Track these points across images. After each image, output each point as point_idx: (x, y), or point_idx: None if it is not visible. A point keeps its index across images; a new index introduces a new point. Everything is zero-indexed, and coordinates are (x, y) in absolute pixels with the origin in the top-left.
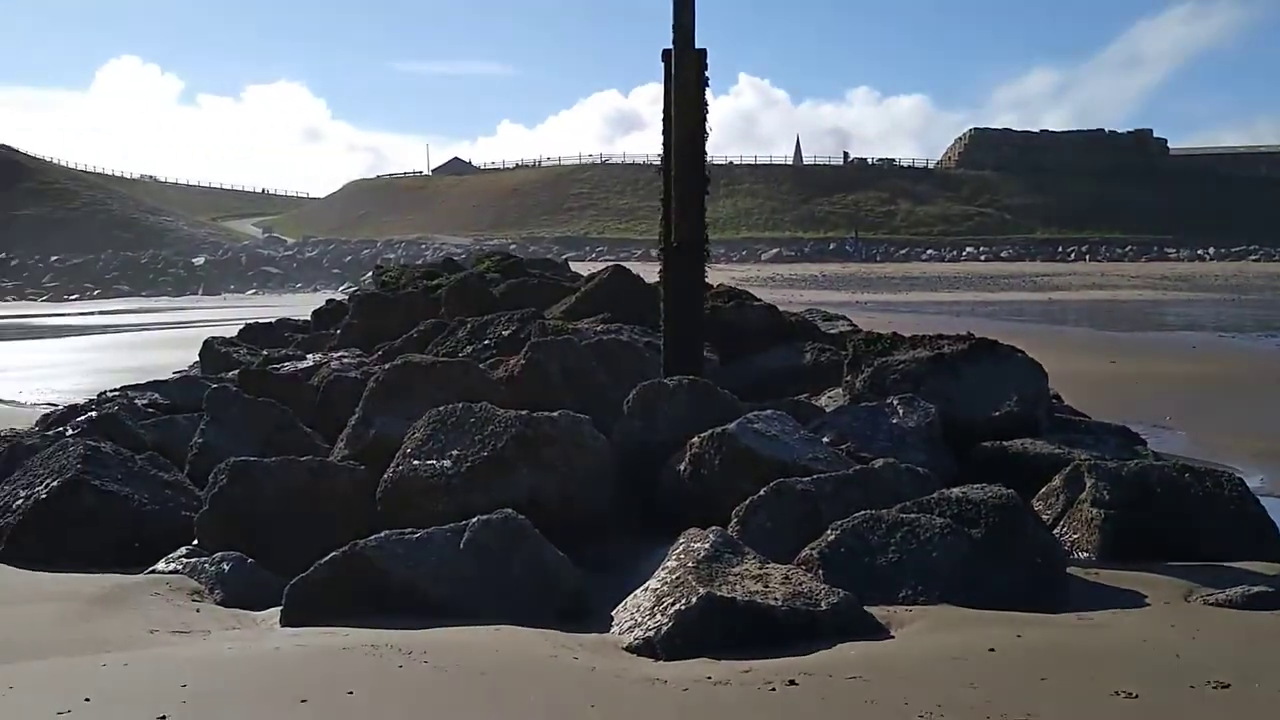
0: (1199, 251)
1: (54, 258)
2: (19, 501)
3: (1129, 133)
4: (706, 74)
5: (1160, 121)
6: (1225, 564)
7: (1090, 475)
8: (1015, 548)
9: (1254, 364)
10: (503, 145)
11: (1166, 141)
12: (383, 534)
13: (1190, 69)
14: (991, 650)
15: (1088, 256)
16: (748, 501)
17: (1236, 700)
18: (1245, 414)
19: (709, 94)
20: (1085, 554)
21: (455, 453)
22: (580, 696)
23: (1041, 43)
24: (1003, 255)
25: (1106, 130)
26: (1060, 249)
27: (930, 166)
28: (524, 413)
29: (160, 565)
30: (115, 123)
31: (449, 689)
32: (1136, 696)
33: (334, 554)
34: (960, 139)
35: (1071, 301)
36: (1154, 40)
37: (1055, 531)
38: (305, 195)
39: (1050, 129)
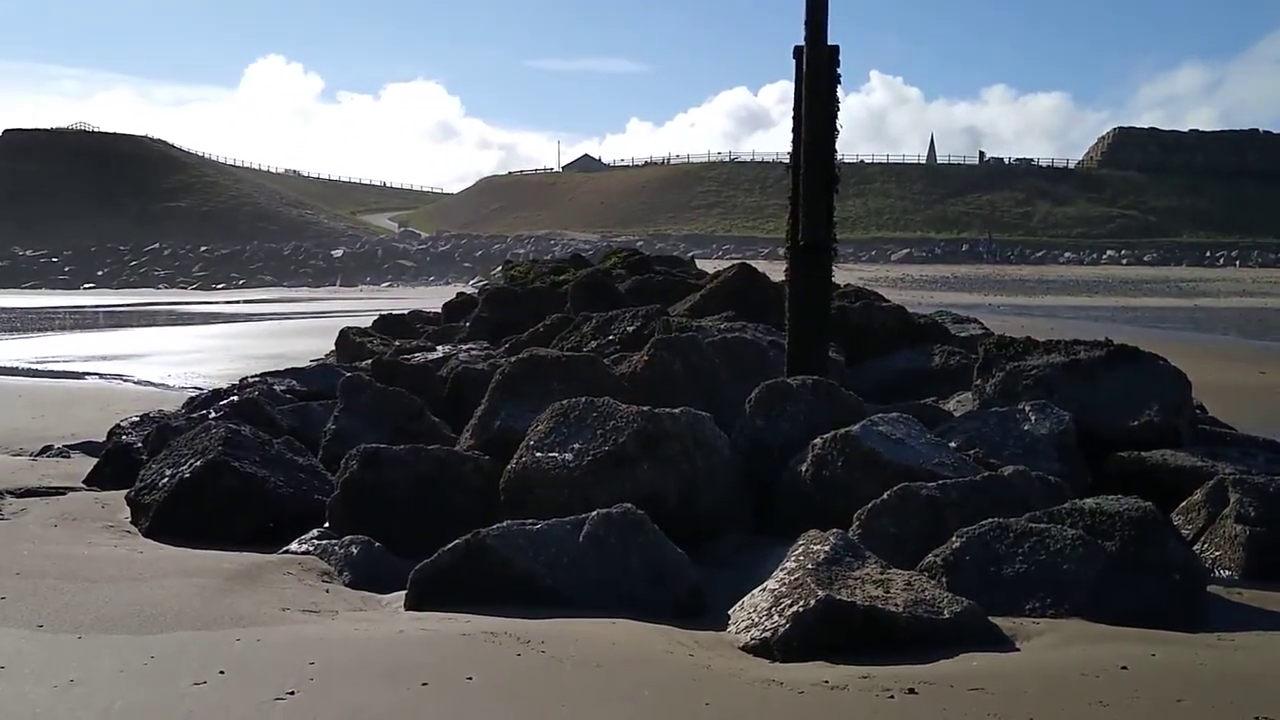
0: None
1: (203, 248)
2: (165, 480)
3: None
4: (838, 71)
5: None
6: None
7: (1235, 490)
8: (1152, 563)
9: None
10: (631, 143)
11: None
12: (505, 524)
13: None
14: (1124, 668)
15: (1238, 262)
16: (870, 505)
17: None
18: None
19: (840, 91)
20: (1227, 572)
21: (577, 446)
22: (695, 693)
23: (1188, 39)
24: (1146, 259)
25: (1261, 130)
26: (1209, 254)
27: (1070, 167)
28: (645, 409)
29: (293, 546)
30: (260, 119)
31: (565, 679)
32: None
33: (457, 542)
34: (1104, 138)
35: (1219, 309)
36: None
37: (1195, 548)
38: (439, 190)
39: (1199, 129)
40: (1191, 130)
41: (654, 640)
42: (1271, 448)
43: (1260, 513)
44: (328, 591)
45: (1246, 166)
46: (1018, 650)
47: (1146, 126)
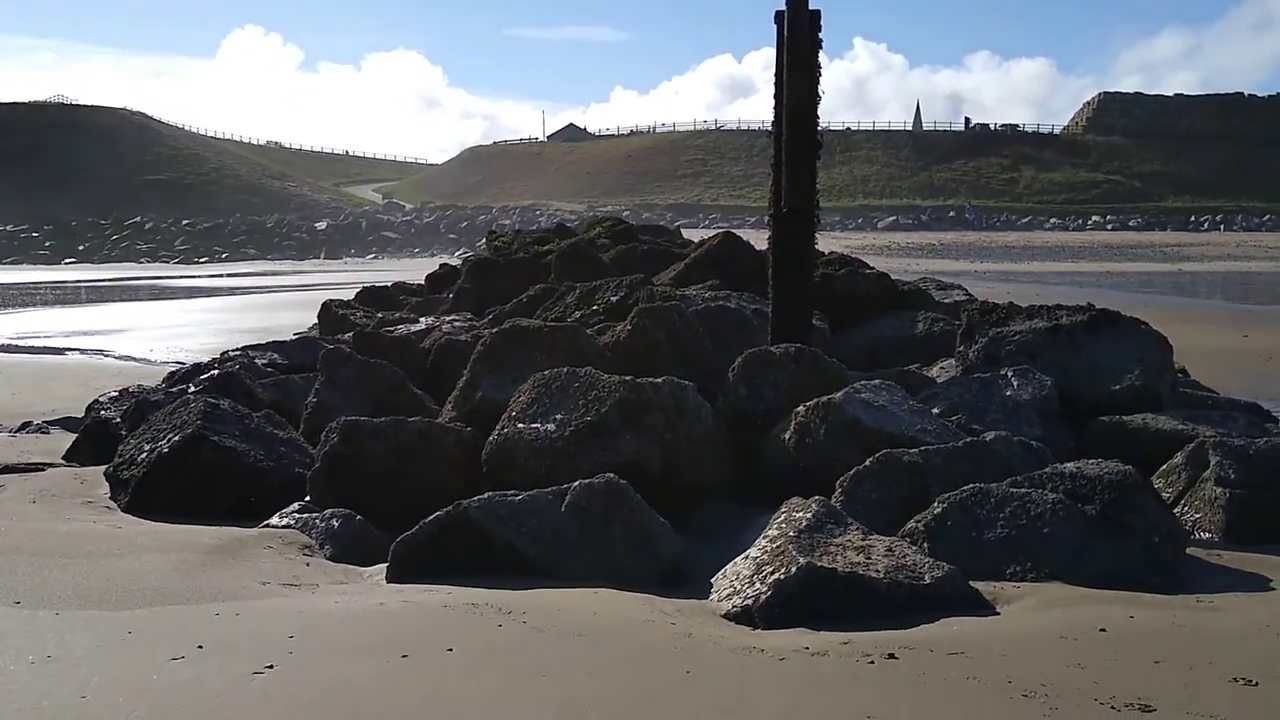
0: None
1: (185, 221)
2: (143, 455)
3: (1269, 97)
4: (820, 36)
5: None
6: None
7: (1215, 453)
8: (1131, 526)
9: None
10: (616, 111)
11: None
12: (486, 495)
13: None
14: (1103, 630)
15: (1222, 226)
16: (852, 472)
17: None
18: None
19: (822, 57)
20: (1207, 534)
21: (559, 417)
22: (675, 662)
23: (1167, 5)
24: (1131, 225)
25: (1246, 94)
26: (1193, 218)
27: (1055, 132)
28: (628, 378)
29: (274, 520)
30: (239, 90)
31: (546, 650)
32: (1256, 684)
33: (439, 514)
34: (1089, 103)
35: (1203, 273)
36: None
37: (1176, 510)
38: (423, 161)
39: (1184, 93)
40: (1176, 95)
41: (636, 610)
42: (1252, 410)
43: (1240, 475)
44: (308, 565)
45: (1230, 131)
46: (998, 614)
47: (1130, 91)
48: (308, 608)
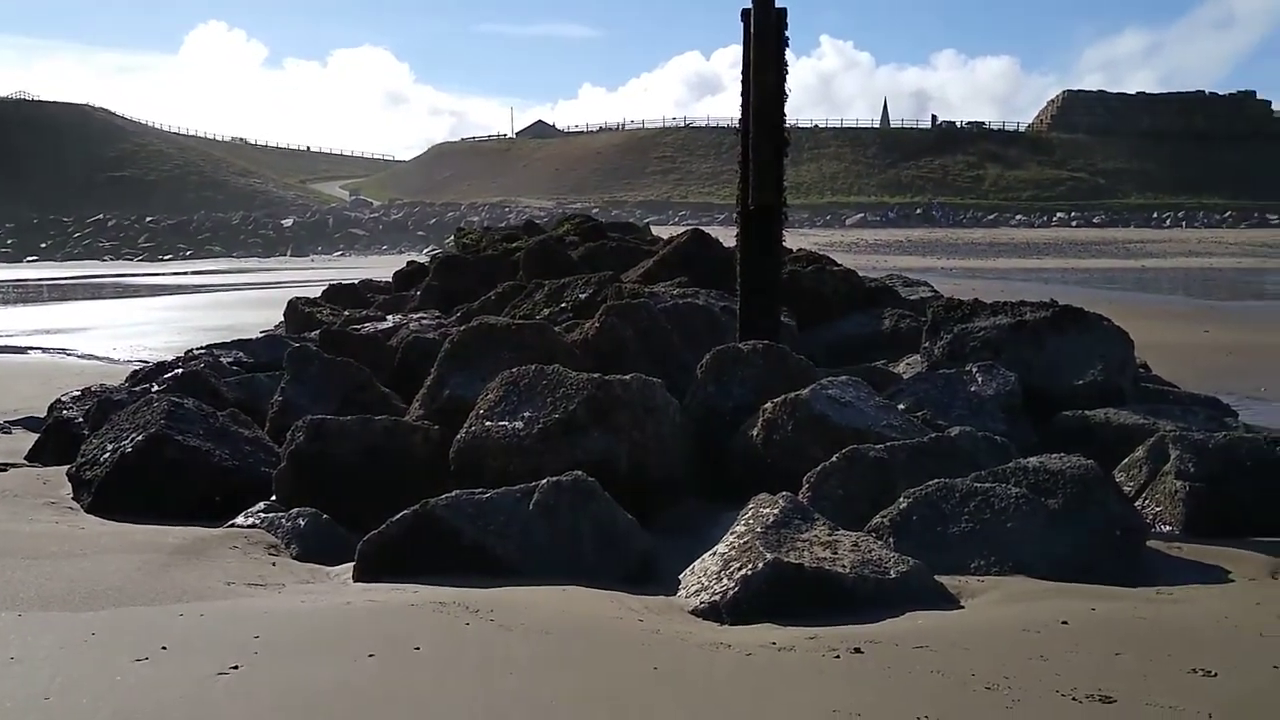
0: None
1: (149, 218)
2: (106, 455)
3: (1230, 95)
4: (786, 34)
5: (1254, 84)
6: None
7: (1175, 447)
8: (1093, 519)
9: None
10: (584, 108)
11: (1270, 104)
12: (454, 493)
13: None
14: (1064, 623)
15: (1184, 223)
16: (820, 468)
17: None
18: None
19: (789, 54)
20: (1168, 527)
21: (527, 414)
22: (643, 658)
23: (1129, 4)
24: (1095, 221)
25: (1206, 92)
26: (1155, 215)
27: (1021, 130)
28: (596, 376)
29: (239, 519)
30: (204, 87)
31: (513, 647)
32: (1215, 675)
33: (405, 512)
34: (1053, 101)
35: (1165, 269)
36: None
37: (1137, 504)
38: (390, 158)
39: (1146, 91)
40: (1139, 93)
41: (604, 607)
42: (1212, 405)
43: (1199, 469)
44: (274, 564)
45: (1192, 129)
46: (962, 608)
47: (1094, 90)
48: (273, 608)
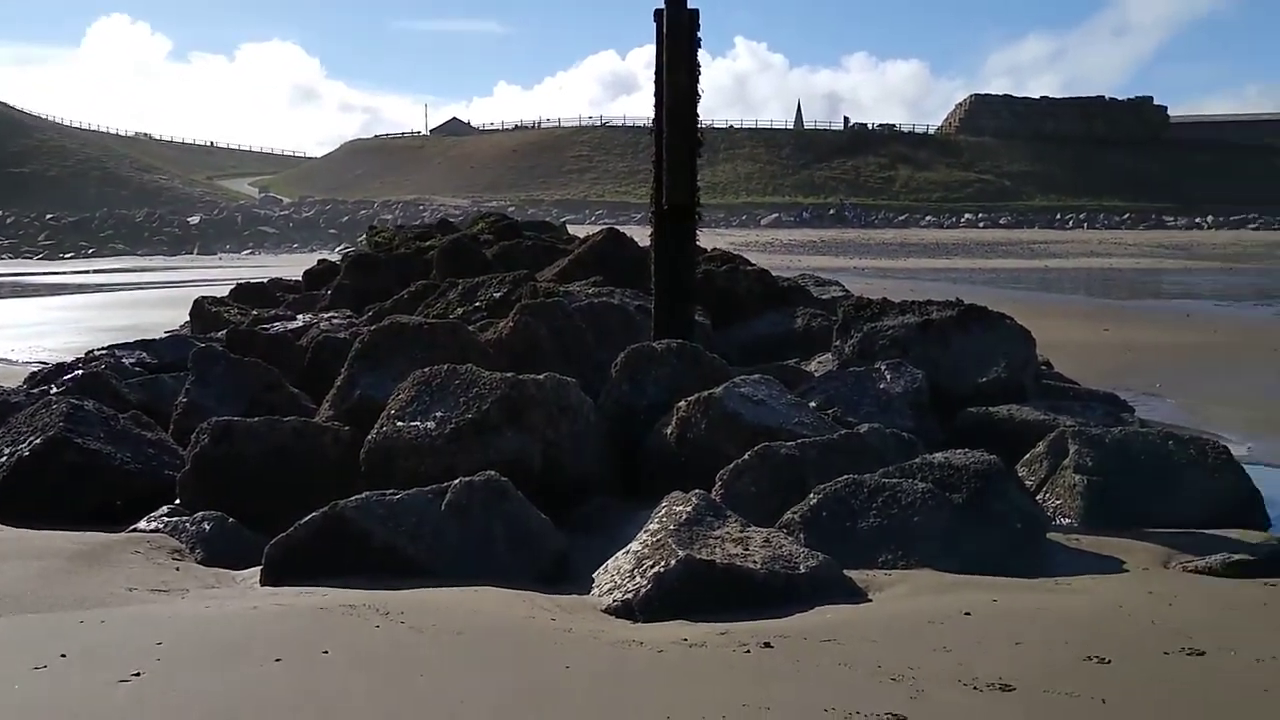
0: (1197, 220)
1: (49, 215)
2: (2, 459)
3: (1128, 100)
4: (699, 35)
5: (1150, 89)
6: (1206, 531)
7: (1074, 441)
8: (996, 513)
9: (1248, 333)
10: (499, 106)
11: (1166, 109)
12: (364, 495)
13: (1180, 37)
14: (967, 614)
15: (1085, 224)
16: (732, 465)
17: (1210, 668)
18: (1236, 383)
19: (703, 55)
20: (1067, 520)
21: (439, 414)
22: (555, 657)
23: (1032, 10)
24: (1001, 222)
25: (1106, 97)
26: (1058, 216)
27: (930, 133)
28: (510, 375)
29: (142, 524)
30: (106, 80)
31: (424, 649)
32: (1109, 662)
33: (314, 514)
34: (961, 105)
35: (1068, 269)
36: (1144, 8)
37: (1038, 497)
38: (301, 155)
39: (1049, 95)
40: (1042, 97)
41: (516, 607)
42: (1110, 401)
43: (1096, 462)
44: (178, 570)
45: (1092, 132)
46: (870, 601)
47: (999, 94)
48: (177, 613)
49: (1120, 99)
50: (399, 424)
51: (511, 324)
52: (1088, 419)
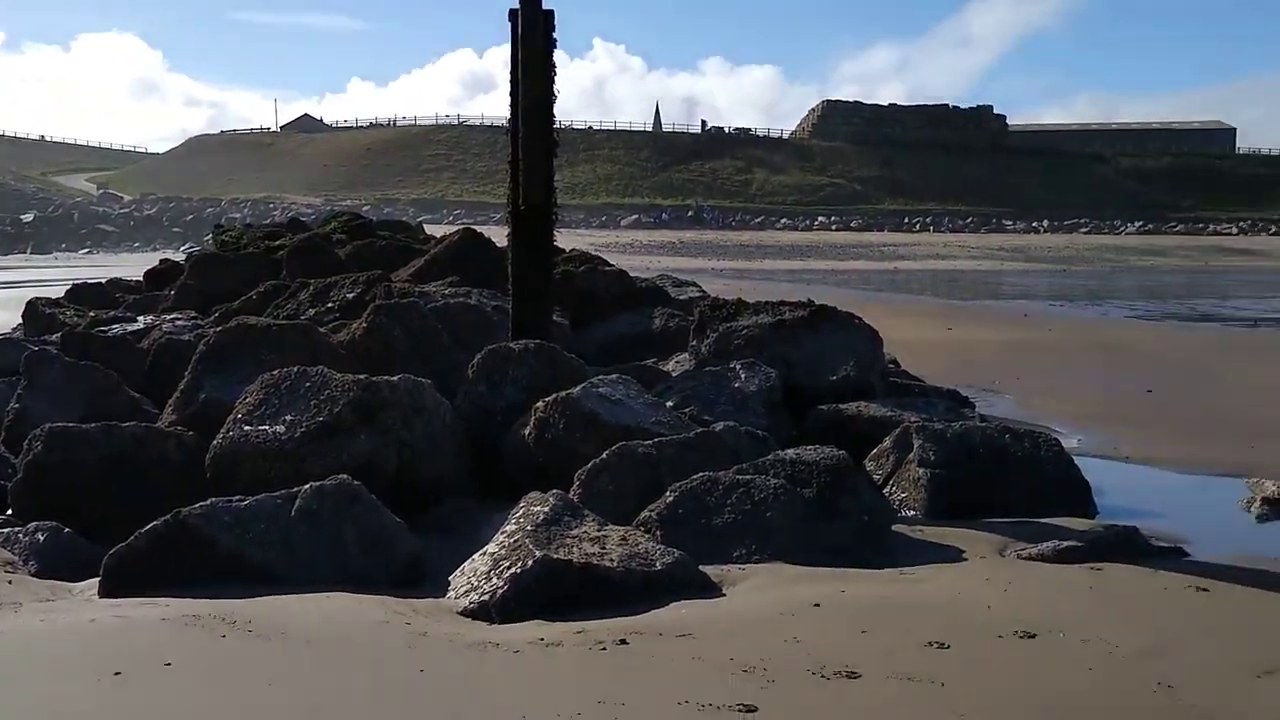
0: (1033, 224)
1: None
2: None
3: (971, 109)
4: (554, 36)
5: (990, 99)
6: (1040, 520)
7: (918, 436)
8: (844, 507)
9: (1079, 331)
10: (353, 103)
11: (1005, 118)
12: (209, 502)
13: (1017, 49)
14: (816, 605)
15: (932, 228)
16: (590, 465)
17: (1040, 649)
18: (1068, 378)
19: (561, 55)
20: (912, 512)
21: (289, 418)
22: (409, 662)
23: (880, 20)
24: (853, 225)
25: (950, 105)
26: (906, 220)
27: (785, 137)
28: (362, 377)
29: None
30: None
31: (273, 658)
32: (948, 647)
33: (155, 523)
34: (814, 110)
35: (915, 271)
36: (984, 21)
37: (885, 491)
38: (143, 151)
39: (897, 103)
40: (890, 104)
41: (369, 612)
42: (952, 397)
43: (939, 456)
44: (10, 583)
45: (937, 139)
46: (724, 595)
47: (850, 100)
48: (9, 629)
49: (963, 107)
50: (246, 428)
51: (365, 325)
52: (931, 415)
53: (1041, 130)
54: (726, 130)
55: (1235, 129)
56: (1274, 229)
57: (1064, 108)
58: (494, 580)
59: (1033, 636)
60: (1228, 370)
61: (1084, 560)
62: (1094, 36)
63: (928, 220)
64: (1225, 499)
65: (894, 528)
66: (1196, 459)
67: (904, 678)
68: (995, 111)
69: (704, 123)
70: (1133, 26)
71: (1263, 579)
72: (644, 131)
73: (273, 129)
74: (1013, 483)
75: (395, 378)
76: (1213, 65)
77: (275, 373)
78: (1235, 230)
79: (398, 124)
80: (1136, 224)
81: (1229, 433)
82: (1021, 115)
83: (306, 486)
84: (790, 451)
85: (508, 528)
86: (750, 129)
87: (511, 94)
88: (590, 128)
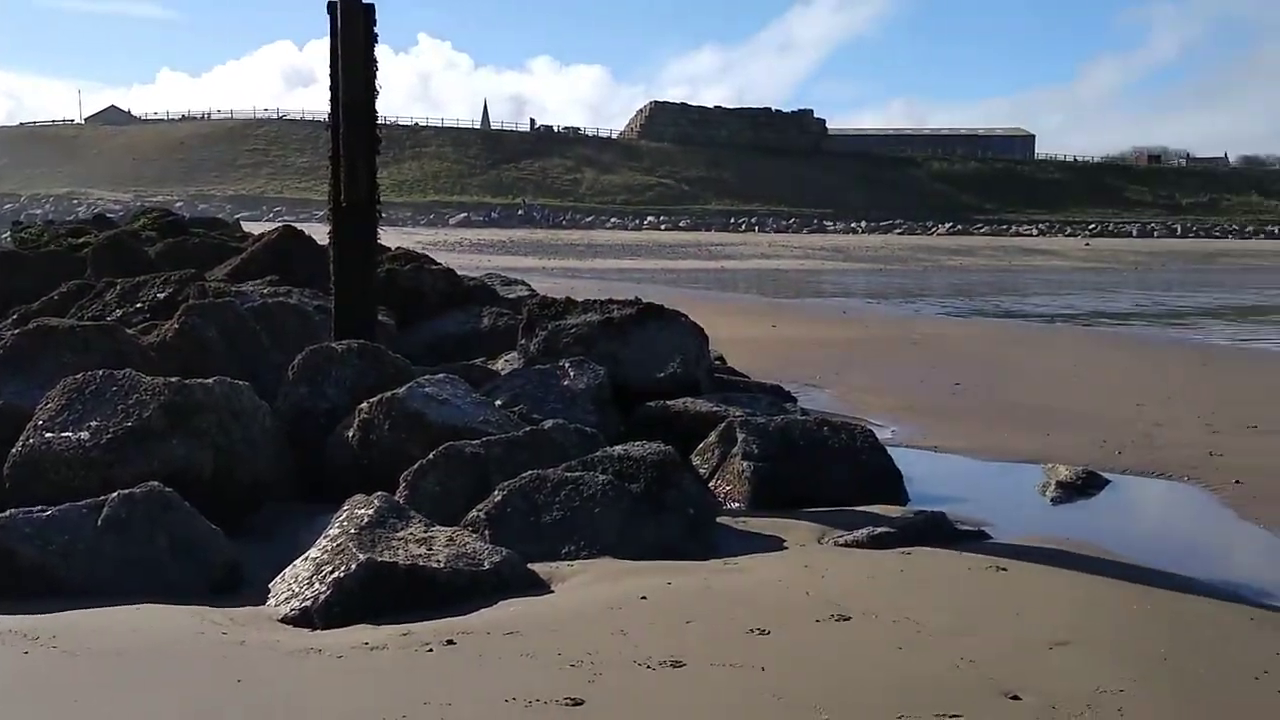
0: (852, 225)
1: None
2: None
3: (793, 112)
4: (375, 29)
5: (811, 103)
6: (857, 508)
7: (741, 431)
8: (671, 501)
9: (895, 328)
10: (164, 95)
11: (825, 122)
12: (7, 513)
13: (836, 55)
14: (643, 598)
15: (757, 228)
16: (416, 466)
17: (854, 631)
18: (883, 373)
19: (384, 50)
20: (737, 504)
21: (95, 423)
22: (226, 672)
23: (705, 23)
24: (682, 225)
25: (773, 109)
26: (733, 220)
27: (614, 137)
28: (174, 380)
29: None
30: None
31: (80, 673)
32: (769, 633)
33: None
34: (642, 111)
35: (741, 270)
36: (805, 27)
37: (711, 484)
38: None
39: (722, 105)
40: (716, 107)
41: (183, 622)
42: (776, 392)
43: (761, 449)
44: None
45: (761, 141)
46: (552, 592)
47: (677, 102)
48: None
49: (785, 111)
50: (48, 435)
51: (177, 326)
52: (755, 410)
53: (859, 134)
54: (556, 129)
55: (1034, 135)
56: (1070, 230)
57: (880, 112)
58: (316, 585)
59: (848, 619)
60: (1027, 363)
61: (896, 545)
62: (908, 45)
63: (753, 220)
64: (1024, 483)
65: (719, 520)
66: (999, 447)
67: (727, 665)
68: (816, 115)
69: (533, 121)
70: (943, 37)
71: (1056, 557)
72: (473, 129)
73: (77, 121)
74: (831, 473)
75: (210, 380)
76: (1014, 75)
77: (79, 376)
78: (1035, 232)
79: (213, 117)
80: (947, 225)
81: (1028, 421)
82: (840, 119)
83: (115, 495)
84: (618, 448)
85: (331, 531)
86: (580, 128)
87: (331, 88)
88: (417, 124)
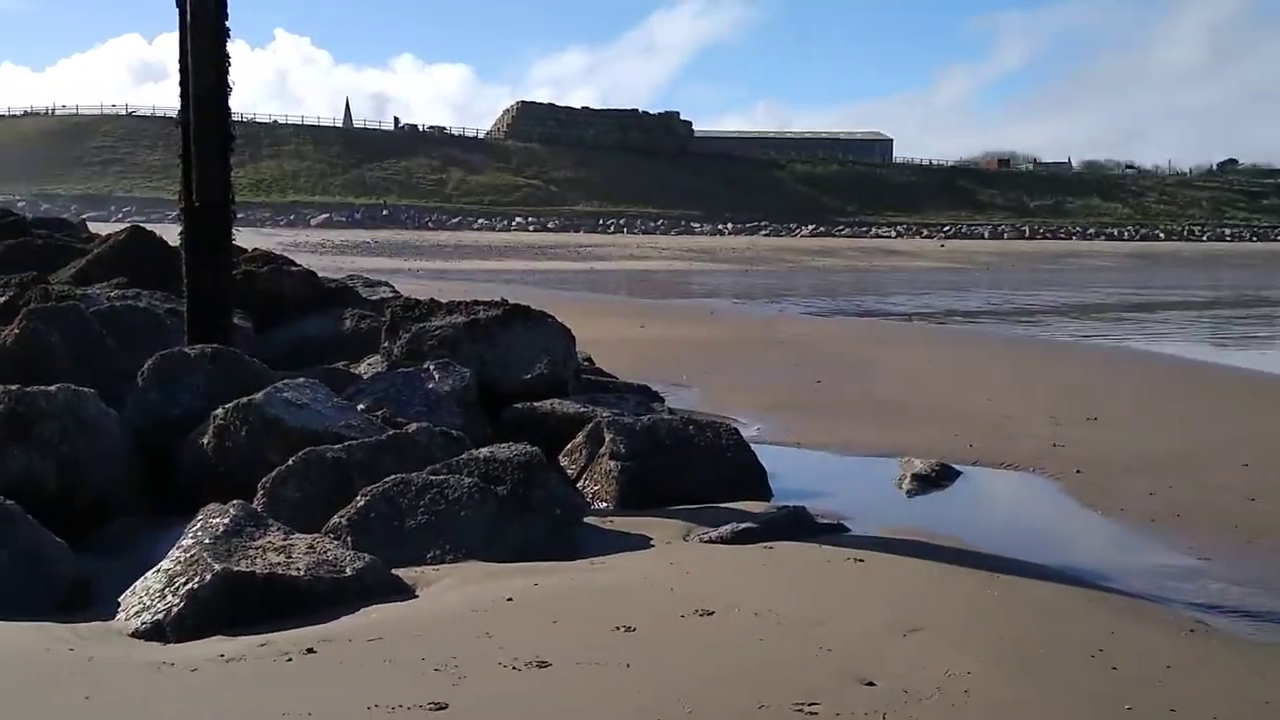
0: (719, 226)
1: None
2: None
3: (659, 114)
4: (227, 23)
5: (677, 105)
6: (721, 505)
7: (609, 430)
8: (537, 502)
9: (760, 327)
10: (3, 89)
11: (691, 124)
12: None
13: (700, 59)
14: (509, 600)
15: (625, 229)
16: (275, 472)
17: (717, 625)
18: (749, 372)
19: (240, 45)
20: (605, 504)
21: None
22: (73, 689)
23: (572, 25)
24: (550, 226)
25: (640, 110)
26: (601, 221)
27: (480, 136)
28: (14, 388)
29: None
30: None
31: None
32: (634, 630)
33: None
34: (509, 111)
35: (610, 271)
36: (669, 31)
37: (580, 484)
38: None
39: (589, 106)
40: (584, 107)
41: (25, 639)
42: (643, 392)
43: (629, 449)
44: None
45: (628, 143)
46: (417, 597)
47: (545, 102)
48: None
49: (652, 113)
50: None
51: (17, 331)
52: (623, 410)
53: (724, 137)
54: (421, 128)
55: (892, 139)
56: (926, 233)
57: (744, 115)
58: (169, 598)
59: (711, 614)
60: (886, 360)
61: (759, 540)
62: (771, 50)
63: (621, 222)
64: (881, 477)
65: (587, 520)
66: (858, 442)
67: (592, 663)
68: (682, 117)
69: (397, 120)
70: (804, 42)
71: (910, 548)
72: (334, 127)
73: None
74: (698, 471)
75: (53, 387)
76: (874, 81)
77: None
78: (894, 234)
79: (57, 113)
80: (810, 227)
81: (886, 416)
82: (706, 122)
83: None
84: (484, 450)
85: (184, 542)
86: (445, 128)
87: (181, 83)
88: (275, 121)
